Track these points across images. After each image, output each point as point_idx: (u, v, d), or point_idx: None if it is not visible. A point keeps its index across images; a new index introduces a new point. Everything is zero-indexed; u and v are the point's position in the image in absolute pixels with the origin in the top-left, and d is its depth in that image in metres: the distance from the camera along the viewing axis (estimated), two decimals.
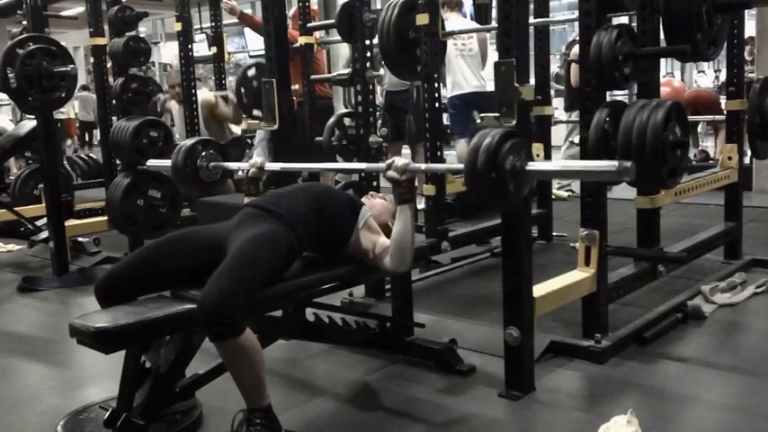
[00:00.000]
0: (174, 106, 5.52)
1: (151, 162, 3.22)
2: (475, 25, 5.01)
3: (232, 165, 2.94)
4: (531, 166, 1.99)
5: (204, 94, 5.37)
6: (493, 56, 4.44)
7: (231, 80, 6.25)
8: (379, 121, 5.76)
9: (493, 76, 2.25)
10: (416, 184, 2.35)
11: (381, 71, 3.62)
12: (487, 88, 4.98)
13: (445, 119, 4.97)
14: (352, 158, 3.86)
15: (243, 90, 4.27)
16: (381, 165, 2.31)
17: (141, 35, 4.67)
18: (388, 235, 2.36)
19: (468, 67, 5.09)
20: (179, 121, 5.43)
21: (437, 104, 3.65)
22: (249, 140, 6.44)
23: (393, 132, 5.67)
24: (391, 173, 2.24)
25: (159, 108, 4.64)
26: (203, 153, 2.81)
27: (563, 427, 2.17)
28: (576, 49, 5.15)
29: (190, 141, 2.86)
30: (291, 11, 5.04)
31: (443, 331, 2.76)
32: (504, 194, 1.97)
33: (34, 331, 3.36)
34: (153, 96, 4.37)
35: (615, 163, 1.85)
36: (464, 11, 5.47)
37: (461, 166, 2.03)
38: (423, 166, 2.31)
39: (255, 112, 4.23)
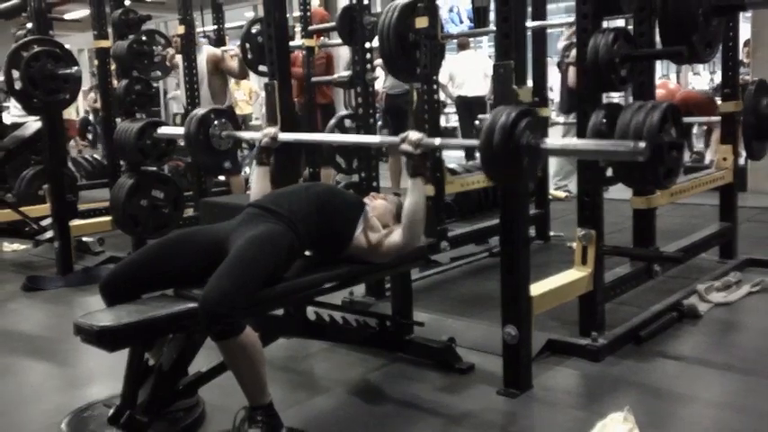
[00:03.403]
0: (181, 62, 5.41)
1: (163, 129, 3.22)
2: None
3: (245, 134, 2.96)
4: (546, 143, 2.02)
5: (209, 47, 5.23)
6: None
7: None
8: (380, 123, 5.81)
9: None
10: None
11: (376, 73, 3.64)
12: None
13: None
14: (352, 159, 3.89)
15: (248, 46, 4.29)
16: (396, 138, 2.33)
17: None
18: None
19: None
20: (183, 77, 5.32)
21: (436, 106, 3.67)
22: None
23: (393, 134, 5.70)
24: (405, 146, 2.26)
25: (168, 62, 4.58)
26: (216, 122, 2.85)
27: (560, 424, 2.19)
28: (574, 51, 5.18)
29: (202, 110, 2.90)
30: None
31: (442, 330, 2.77)
32: (519, 170, 1.99)
33: (38, 330, 3.38)
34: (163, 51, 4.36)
35: (630, 143, 1.88)
36: None
37: (477, 142, 2.05)
38: (437, 140, 2.33)
39: (261, 68, 4.25)
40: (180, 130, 2.95)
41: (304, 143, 4.61)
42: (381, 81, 5.94)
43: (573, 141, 2.17)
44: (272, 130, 2.67)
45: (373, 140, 2.58)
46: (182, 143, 5.53)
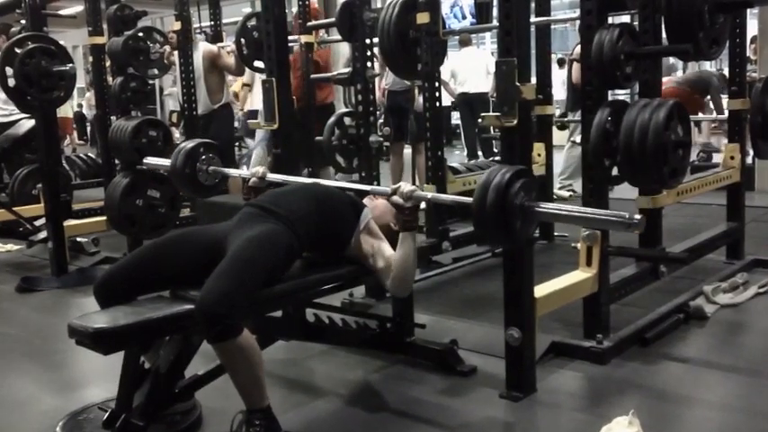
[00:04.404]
0: (177, 59, 5.37)
1: (149, 160, 3.18)
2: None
3: (232, 171, 2.93)
4: (540, 207, 1.99)
5: (206, 44, 5.18)
6: None
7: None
8: (381, 120, 5.77)
9: None
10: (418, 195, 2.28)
11: (377, 69, 3.59)
12: None
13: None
14: (353, 158, 3.86)
15: (243, 41, 4.25)
16: (387, 189, 2.28)
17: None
18: (389, 237, 2.34)
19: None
20: (179, 74, 5.27)
21: (438, 104, 3.64)
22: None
23: (395, 132, 5.66)
24: (396, 198, 2.20)
25: (166, 60, 4.54)
26: (203, 156, 2.80)
27: (564, 428, 2.16)
28: (578, 48, 5.14)
29: (191, 143, 2.85)
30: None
31: (444, 332, 2.75)
32: (511, 232, 1.97)
33: (33, 332, 3.35)
34: (160, 48, 4.32)
35: (625, 214, 1.86)
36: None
37: (470, 200, 2.02)
38: (429, 195, 2.31)
39: (257, 63, 4.21)
40: (166, 162, 2.91)
41: (302, 144, 4.59)
42: (386, 79, 5.89)
43: (567, 207, 2.15)
44: (259, 170, 2.61)
45: (364, 188, 2.55)
46: (178, 141, 5.50)
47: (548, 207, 2.03)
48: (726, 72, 4.51)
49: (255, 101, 6.08)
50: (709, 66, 9.41)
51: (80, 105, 13.61)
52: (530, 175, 2.04)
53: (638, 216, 1.84)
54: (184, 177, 2.79)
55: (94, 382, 2.63)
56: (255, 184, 2.60)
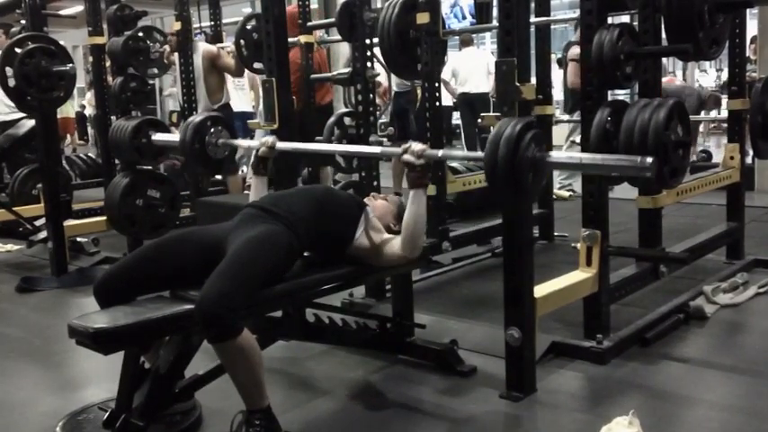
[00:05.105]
0: (177, 59, 5.38)
1: (158, 136, 3.18)
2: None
3: (242, 142, 2.92)
4: (551, 157, 1.98)
5: (205, 45, 5.20)
6: None
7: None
8: (386, 120, 5.75)
9: None
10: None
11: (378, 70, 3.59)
12: None
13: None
14: (352, 158, 3.85)
15: (242, 42, 4.24)
16: (397, 149, 2.29)
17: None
18: None
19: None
20: (179, 74, 5.27)
21: (438, 104, 3.63)
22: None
23: (398, 132, 5.67)
24: (407, 156, 2.21)
25: (165, 60, 4.54)
26: (212, 129, 2.80)
27: (564, 428, 2.16)
28: (573, 49, 5.14)
29: (198, 117, 2.85)
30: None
31: (444, 332, 2.75)
32: (523, 185, 1.96)
33: (33, 332, 3.34)
34: (160, 47, 4.33)
35: (636, 158, 1.84)
36: None
37: (481, 154, 2.02)
38: (440, 152, 2.29)
39: (256, 65, 4.21)
40: (175, 137, 2.90)
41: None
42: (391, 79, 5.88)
43: (578, 155, 2.15)
44: (269, 140, 2.61)
45: (374, 151, 2.54)
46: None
47: (559, 157, 2.02)
48: (725, 74, 4.50)
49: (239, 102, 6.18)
50: (708, 66, 9.40)
51: (82, 106, 13.59)
52: (538, 126, 2.03)
53: (649, 159, 1.83)
54: (194, 152, 2.79)
55: (94, 382, 2.63)
56: (265, 153, 2.60)
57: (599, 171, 2.42)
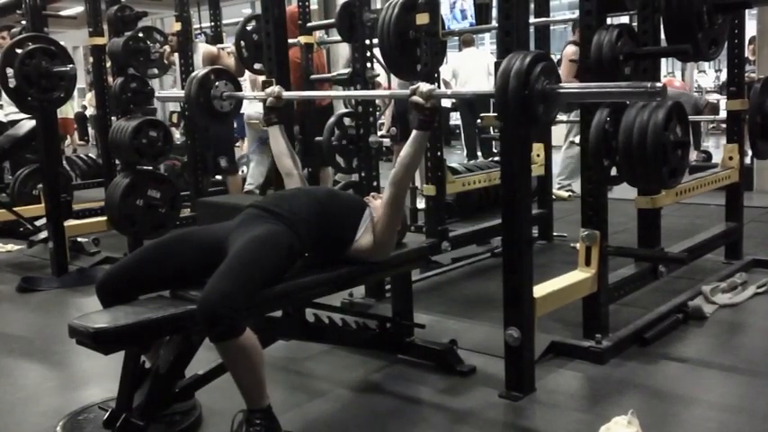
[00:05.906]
0: (177, 59, 5.37)
1: (161, 93, 3.19)
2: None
3: (247, 94, 2.92)
4: (562, 88, 1.98)
5: (206, 45, 5.22)
6: None
7: None
8: (380, 121, 5.74)
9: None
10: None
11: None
12: None
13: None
14: (352, 158, 3.86)
15: (243, 44, 4.25)
16: (406, 91, 2.29)
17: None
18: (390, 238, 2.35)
19: None
20: (180, 75, 5.26)
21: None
22: None
23: (400, 132, 5.67)
24: (416, 98, 2.22)
25: (166, 60, 4.55)
26: (217, 83, 2.82)
27: (564, 427, 2.16)
28: (568, 48, 5.14)
29: (203, 71, 2.87)
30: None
31: (444, 332, 2.75)
32: (534, 116, 1.96)
33: (33, 332, 3.35)
34: (160, 48, 4.33)
35: (647, 84, 1.84)
36: None
37: (491, 90, 2.01)
38: (448, 91, 2.29)
39: (257, 66, 4.21)
40: (180, 93, 2.92)
41: (300, 139, 4.58)
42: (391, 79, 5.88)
43: (587, 84, 2.12)
44: (275, 89, 2.67)
45: (383, 94, 2.54)
46: (178, 142, 5.51)
47: (570, 87, 2.02)
48: (723, 75, 4.50)
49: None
50: (708, 66, 9.40)
51: (83, 107, 13.59)
52: (548, 58, 2.02)
53: (659, 84, 1.82)
54: (200, 107, 2.81)
55: (95, 382, 2.63)
56: (273, 104, 2.66)
57: (611, 98, 2.39)
